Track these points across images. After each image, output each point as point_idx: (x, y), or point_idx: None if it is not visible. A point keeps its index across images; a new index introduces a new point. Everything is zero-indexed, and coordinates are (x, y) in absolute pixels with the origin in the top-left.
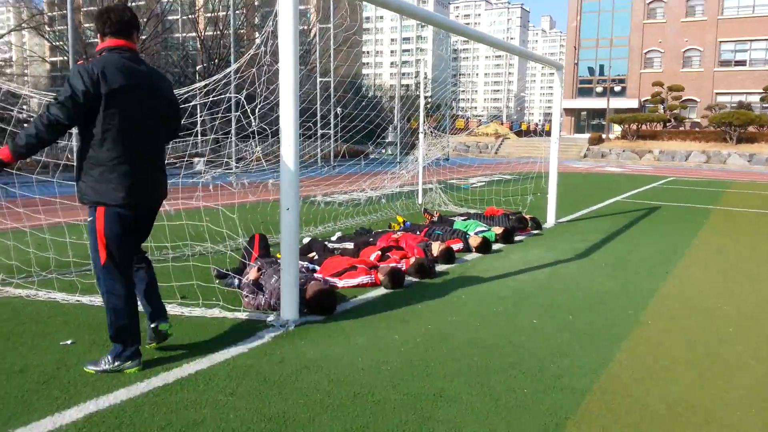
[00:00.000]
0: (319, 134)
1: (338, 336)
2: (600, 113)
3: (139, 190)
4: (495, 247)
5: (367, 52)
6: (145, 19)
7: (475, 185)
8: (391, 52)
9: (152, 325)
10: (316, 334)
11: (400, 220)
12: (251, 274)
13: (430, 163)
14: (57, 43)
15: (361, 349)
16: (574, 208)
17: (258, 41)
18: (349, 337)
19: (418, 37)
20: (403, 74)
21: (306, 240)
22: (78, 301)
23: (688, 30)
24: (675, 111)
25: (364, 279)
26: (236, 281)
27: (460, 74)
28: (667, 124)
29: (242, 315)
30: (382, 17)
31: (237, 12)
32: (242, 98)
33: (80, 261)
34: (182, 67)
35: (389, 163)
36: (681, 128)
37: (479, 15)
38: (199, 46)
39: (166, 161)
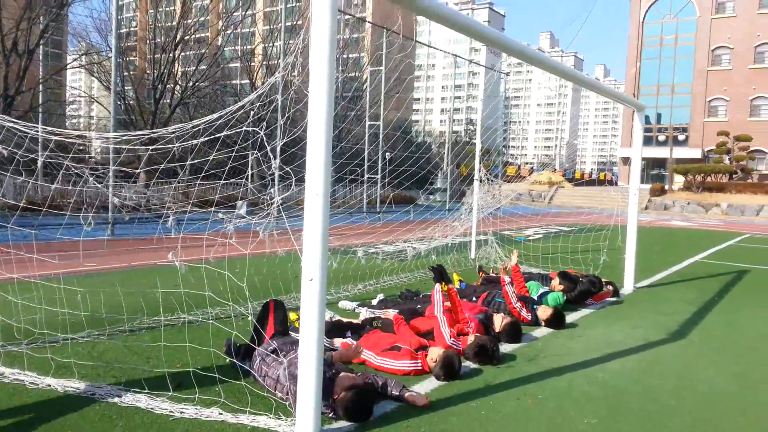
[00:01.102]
0: (365, 178)
1: None
2: (660, 163)
3: None
4: (569, 319)
5: (418, 99)
6: (204, 67)
7: (530, 237)
8: (442, 99)
9: None
10: None
11: (456, 279)
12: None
13: (488, 214)
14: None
15: None
16: (650, 270)
17: (285, 61)
18: None
19: (469, 84)
20: (454, 121)
21: (347, 305)
22: (49, 386)
23: (757, 77)
24: (742, 162)
25: (407, 365)
26: (246, 364)
27: (510, 121)
28: (734, 176)
29: (246, 419)
30: (434, 65)
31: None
32: (262, 133)
33: (51, 332)
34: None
35: (438, 210)
36: (749, 180)
37: None
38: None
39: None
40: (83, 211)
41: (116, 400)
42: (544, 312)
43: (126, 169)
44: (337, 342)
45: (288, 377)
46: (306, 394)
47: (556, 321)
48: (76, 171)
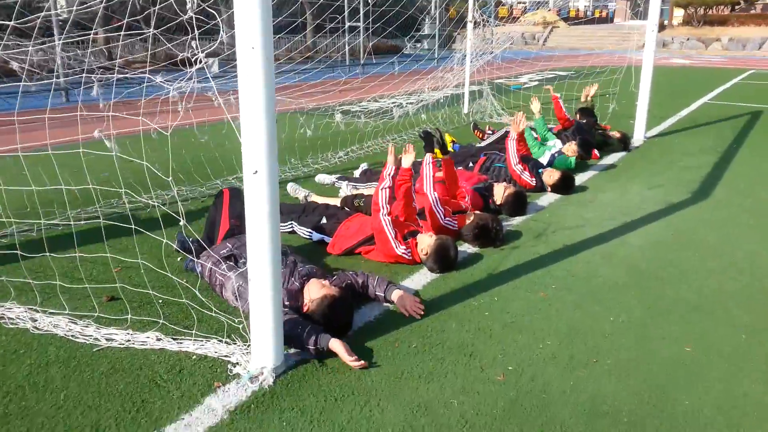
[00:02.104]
0: (347, 27)
1: (352, 401)
2: None
3: None
4: (577, 180)
5: None
6: None
7: (527, 85)
8: None
9: None
10: (312, 394)
11: (449, 140)
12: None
13: (492, 58)
14: None
15: None
16: (658, 116)
17: None
18: (372, 401)
19: None
20: None
21: (324, 179)
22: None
23: None
24: None
25: (398, 249)
26: (198, 267)
27: None
28: (736, 7)
29: (192, 345)
30: None
31: None
32: None
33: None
34: None
35: (427, 59)
36: (752, 11)
37: None
38: None
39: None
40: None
41: (29, 325)
42: (550, 176)
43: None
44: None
45: (239, 295)
46: (261, 322)
47: (565, 185)
48: None
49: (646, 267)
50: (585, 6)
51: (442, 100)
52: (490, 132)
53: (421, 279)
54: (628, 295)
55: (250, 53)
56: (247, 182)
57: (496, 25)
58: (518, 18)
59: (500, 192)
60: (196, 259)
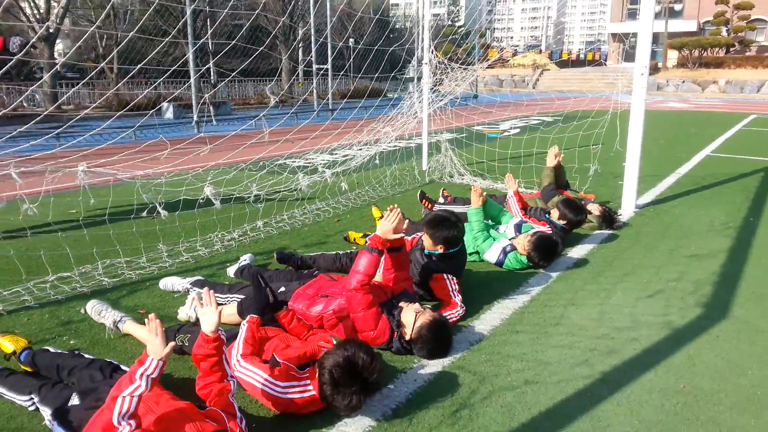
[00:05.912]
0: (314, 69)
1: None
2: (653, 38)
3: None
4: (544, 279)
5: None
6: None
7: (506, 133)
8: None
9: None
10: None
11: (377, 215)
12: None
13: (448, 104)
14: None
15: None
16: (653, 174)
17: None
18: None
19: None
20: (435, 2)
21: (174, 284)
22: None
23: None
24: (741, 33)
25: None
26: None
27: (496, 1)
28: (731, 49)
29: None
30: None
31: None
32: None
33: None
34: None
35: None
36: (747, 53)
37: None
38: None
39: None
40: None
41: None
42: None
43: None
44: None
45: None
46: None
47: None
48: None
49: None
50: (579, 48)
51: (393, 152)
52: (442, 200)
53: None
54: None
55: None
56: None
57: (484, 68)
58: (507, 60)
59: (410, 320)
60: None
